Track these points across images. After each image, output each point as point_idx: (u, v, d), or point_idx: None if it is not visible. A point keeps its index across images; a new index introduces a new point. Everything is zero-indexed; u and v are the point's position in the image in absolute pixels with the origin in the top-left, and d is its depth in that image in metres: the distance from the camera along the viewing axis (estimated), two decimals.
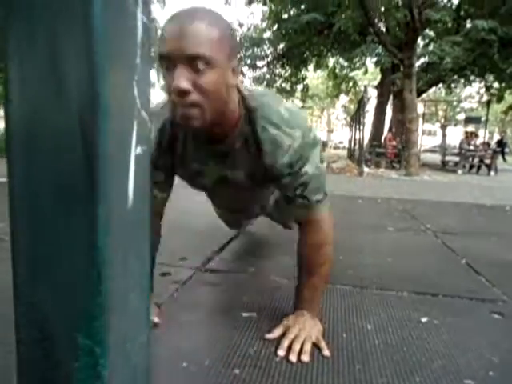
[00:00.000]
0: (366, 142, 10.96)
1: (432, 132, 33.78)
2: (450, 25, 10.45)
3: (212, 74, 0.68)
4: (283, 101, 0.91)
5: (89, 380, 0.44)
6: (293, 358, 0.92)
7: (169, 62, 0.69)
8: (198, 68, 0.66)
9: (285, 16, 12.33)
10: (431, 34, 11.73)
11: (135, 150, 0.48)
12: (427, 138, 25.93)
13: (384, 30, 10.21)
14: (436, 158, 13.27)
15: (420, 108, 12.53)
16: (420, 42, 12.03)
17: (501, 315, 1.24)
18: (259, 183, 1.01)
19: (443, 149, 12.69)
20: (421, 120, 11.07)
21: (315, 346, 0.98)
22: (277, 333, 1.02)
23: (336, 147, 31.08)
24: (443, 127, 23.42)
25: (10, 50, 0.42)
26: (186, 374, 0.85)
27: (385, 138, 11.83)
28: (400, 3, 9.19)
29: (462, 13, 10.71)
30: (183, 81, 0.66)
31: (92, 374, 0.44)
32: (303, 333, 0.98)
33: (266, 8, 12.51)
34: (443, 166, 11.15)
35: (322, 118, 35.92)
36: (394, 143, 10.69)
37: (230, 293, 1.35)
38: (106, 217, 0.43)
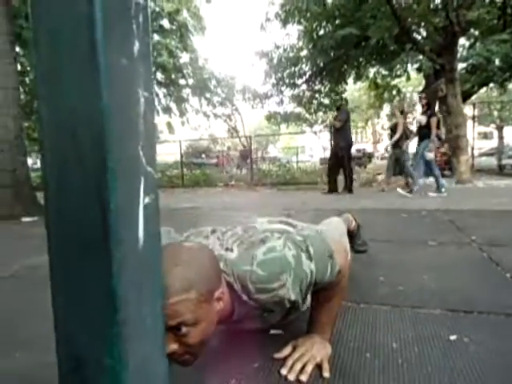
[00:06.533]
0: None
1: (488, 134, 31.77)
2: (495, 21, 9.96)
3: (196, 330, 0.74)
4: (254, 254, 0.87)
5: None
6: (290, 376, 0.97)
7: None
8: (181, 332, 0.73)
9: (321, 32, 12.43)
10: (476, 33, 11.24)
11: (143, 201, 0.59)
12: (483, 142, 24.46)
13: (422, 36, 9.96)
14: (493, 161, 12.51)
15: (471, 111, 11.94)
16: (466, 42, 11.56)
17: None
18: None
19: (500, 152, 11.94)
20: (471, 123, 10.54)
21: (318, 367, 1.01)
22: (284, 352, 1.07)
23: (383, 157, 30.19)
24: (499, 128, 22.04)
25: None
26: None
27: None
28: (437, 7, 8.96)
29: (508, 10, 10.19)
30: (170, 344, 0.73)
31: None
32: (308, 354, 1.02)
33: (301, 27, 12.71)
34: (500, 171, 10.48)
35: (366, 129, 35.20)
36: (443, 150, 10.23)
37: None
38: (120, 260, 0.53)
